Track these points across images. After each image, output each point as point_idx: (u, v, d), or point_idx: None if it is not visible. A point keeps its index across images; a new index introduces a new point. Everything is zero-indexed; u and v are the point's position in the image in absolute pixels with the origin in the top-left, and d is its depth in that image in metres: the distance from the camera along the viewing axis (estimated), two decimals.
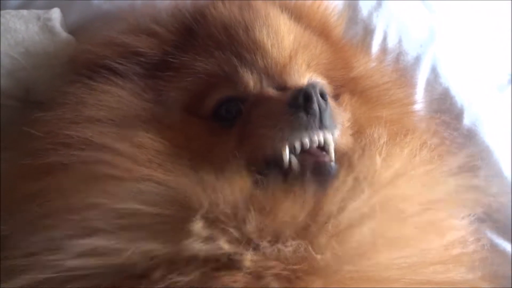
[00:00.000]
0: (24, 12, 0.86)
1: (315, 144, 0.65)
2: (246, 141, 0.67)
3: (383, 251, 0.59)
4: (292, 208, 0.59)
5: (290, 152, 0.64)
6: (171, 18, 0.82)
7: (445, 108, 0.98)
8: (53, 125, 0.69)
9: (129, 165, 0.63)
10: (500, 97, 1.12)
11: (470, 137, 0.98)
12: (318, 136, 0.65)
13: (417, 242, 0.62)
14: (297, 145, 0.64)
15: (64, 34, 0.87)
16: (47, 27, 0.84)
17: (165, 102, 0.73)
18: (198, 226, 0.56)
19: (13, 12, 0.86)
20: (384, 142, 0.70)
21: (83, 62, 0.77)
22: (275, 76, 0.73)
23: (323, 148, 0.66)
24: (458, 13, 1.17)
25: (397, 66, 1.00)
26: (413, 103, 0.92)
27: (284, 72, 0.73)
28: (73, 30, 0.91)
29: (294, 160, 0.64)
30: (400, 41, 1.03)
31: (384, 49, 1.02)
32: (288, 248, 0.57)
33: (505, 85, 1.17)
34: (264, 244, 0.57)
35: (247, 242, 0.57)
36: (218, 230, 0.57)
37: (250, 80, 0.72)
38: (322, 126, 0.65)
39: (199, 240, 0.55)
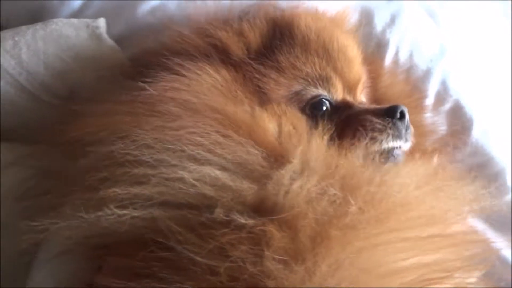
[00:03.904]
0: (75, 20, 0.92)
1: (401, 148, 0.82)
2: (346, 131, 0.79)
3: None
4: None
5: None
6: (261, 20, 0.89)
7: (455, 119, 1.03)
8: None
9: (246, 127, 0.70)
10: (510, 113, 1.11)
11: (477, 147, 1.01)
12: (403, 144, 0.82)
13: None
14: (391, 145, 0.80)
15: (110, 41, 0.93)
16: (95, 34, 0.90)
17: (261, 93, 0.81)
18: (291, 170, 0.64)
19: (64, 20, 0.92)
20: None
21: (174, 49, 0.82)
22: (351, 90, 0.88)
23: None
24: (467, 31, 1.20)
25: (407, 78, 1.04)
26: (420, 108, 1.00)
27: (355, 88, 0.89)
28: (117, 39, 0.97)
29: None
30: (411, 55, 1.07)
31: (396, 63, 1.06)
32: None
33: None
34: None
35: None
36: (305, 179, 0.63)
37: (340, 89, 0.86)
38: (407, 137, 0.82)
39: (290, 180, 0.62)
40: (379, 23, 1.10)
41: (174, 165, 0.63)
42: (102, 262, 0.69)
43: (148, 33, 0.95)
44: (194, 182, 0.62)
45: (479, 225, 0.87)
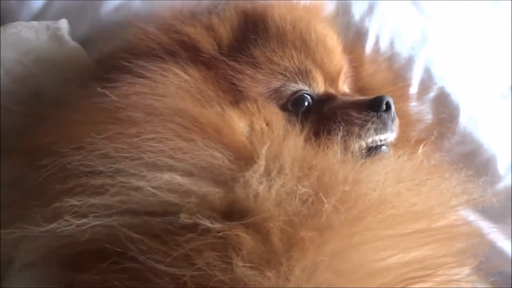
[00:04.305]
0: (35, 23, 0.90)
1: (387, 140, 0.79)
2: (323, 127, 0.75)
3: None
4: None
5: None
6: (231, 13, 0.85)
7: (441, 107, 1.01)
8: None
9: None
10: (499, 100, 1.11)
11: (465, 135, 0.99)
12: (389, 136, 0.79)
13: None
14: (376, 139, 0.76)
15: (72, 43, 0.90)
16: (56, 36, 0.87)
17: (236, 90, 0.77)
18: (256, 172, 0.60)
19: (24, 23, 0.90)
20: None
21: (138, 49, 0.79)
22: (333, 82, 0.85)
23: None
24: (452, 17, 1.18)
25: (390, 66, 1.02)
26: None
27: (337, 79, 0.86)
28: (83, 41, 0.94)
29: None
30: (392, 43, 1.05)
31: (376, 51, 1.03)
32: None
33: (505, 92, 1.17)
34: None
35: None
36: (272, 180, 0.60)
37: (321, 81, 0.83)
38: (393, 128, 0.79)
39: (256, 182, 0.59)
40: (357, 12, 1.07)
41: (132, 174, 0.61)
42: (71, 281, 0.66)
43: (114, 32, 0.92)
44: (153, 190, 0.59)
45: (472, 216, 0.84)
